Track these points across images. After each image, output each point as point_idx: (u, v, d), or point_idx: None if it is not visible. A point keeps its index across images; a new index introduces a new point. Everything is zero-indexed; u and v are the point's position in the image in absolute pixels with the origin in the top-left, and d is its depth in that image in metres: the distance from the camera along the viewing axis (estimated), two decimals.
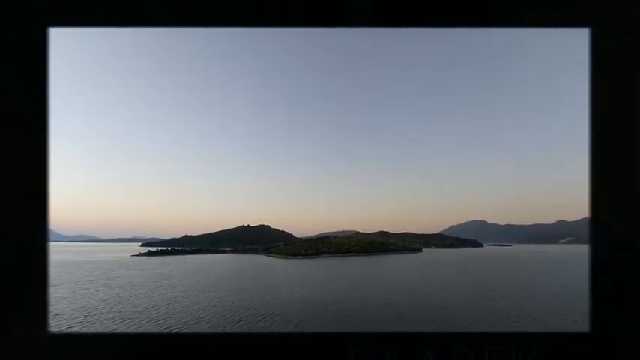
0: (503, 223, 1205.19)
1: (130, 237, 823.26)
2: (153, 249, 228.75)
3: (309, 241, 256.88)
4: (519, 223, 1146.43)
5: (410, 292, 65.08)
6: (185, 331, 35.40)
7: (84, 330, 35.87)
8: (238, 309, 50.76)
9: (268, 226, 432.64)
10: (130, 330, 35.47)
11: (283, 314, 47.26)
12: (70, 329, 36.42)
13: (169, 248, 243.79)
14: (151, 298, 59.64)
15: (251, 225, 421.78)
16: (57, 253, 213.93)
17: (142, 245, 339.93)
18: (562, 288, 69.91)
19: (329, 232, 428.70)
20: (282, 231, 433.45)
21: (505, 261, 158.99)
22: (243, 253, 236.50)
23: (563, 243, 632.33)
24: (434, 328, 38.06)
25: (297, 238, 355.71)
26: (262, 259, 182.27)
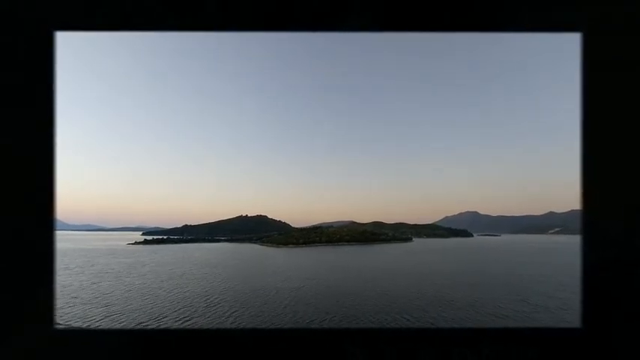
0: (495, 214, 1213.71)
1: (134, 226, 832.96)
2: (149, 237, 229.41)
3: (302, 230, 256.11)
4: (511, 214, 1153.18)
5: (352, 278, 65.99)
6: (192, 327, 34.69)
7: (91, 326, 34.91)
8: (193, 296, 49.73)
9: (266, 216, 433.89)
10: (137, 326, 34.59)
11: (235, 301, 46.54)
12: (76, 325, 35.50)
13: (165, 237, 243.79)
14: (115, 286, 58.28)
15: (249, 215, 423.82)
16: (56, 242, 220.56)
17: (142, 234, 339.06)
18: (510, 276, 68.92)
19: (326, 222, 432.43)
20: (280, 221, 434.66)
21: (483, 250, 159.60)
22: (238, 242, 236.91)
23: (552, 233, 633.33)
24: (428, 324, 36.83)
25: (293, 227, 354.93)
26: (253, 247, 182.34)
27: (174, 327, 34.39)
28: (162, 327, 34.08)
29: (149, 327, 34.17)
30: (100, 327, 34.65)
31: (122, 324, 36.51)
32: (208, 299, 48.04)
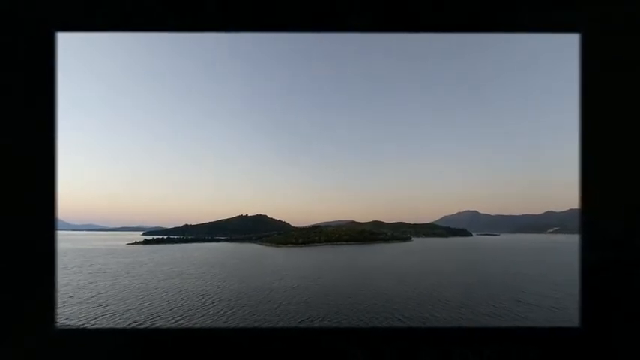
0: (494, 214, 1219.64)
1: (135, 226, 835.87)
2: (149, 237, 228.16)
3: (301, 230, 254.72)
4: (509, 214, 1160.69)
5: (349, 277, 65.82)
6: (193, 326, 34.58)
7: (91, 326, 34.67)
8: (189, 296, 49.53)
9: (266, 216, 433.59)
10: (140, 326, 34.49)
11: (230, 300, 46.43)
12: (74, 325, 35.32)
13: (165, 237, 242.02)
14: (111, 286, 57.79)
15: (249, 215, 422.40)
16: (58, 242, 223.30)
17: (142, 234, 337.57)
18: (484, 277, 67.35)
19: (325, 222, 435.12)
20: (279, 220, 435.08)
21: (481, 250, 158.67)
22: (237, 242, 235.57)
23: (550, 233, 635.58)
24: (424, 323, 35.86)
25: (293, 227, 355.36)
26: (252, 247, 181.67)
27: (175, 326, 32.36)
28: (163, 326, 32.91)
29: (150, 327, 33.41)
30: (101, 327, 32.61)
31: (116, 323, 36.01)
32: (204, 298, 47.59)
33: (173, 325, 34.71)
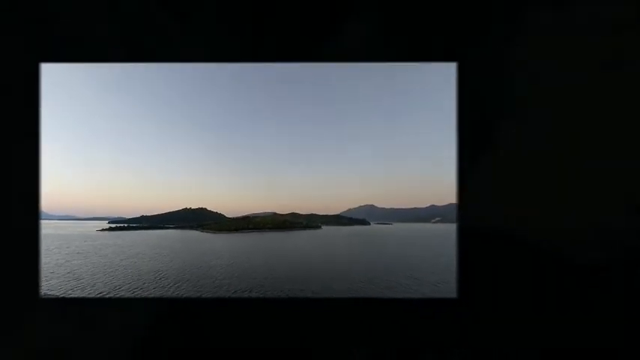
0: (388, 207, 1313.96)
1: (103, 216, 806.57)
2: (113, 225, 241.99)
3: (234, 220, 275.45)
4: (401, 207, 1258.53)
5: (271, 257, 69.07)
6: (168, 295, 34.66)
7: (69, 295, 34.51)
8: (145, 271, 51.32)
9: (206, 208, 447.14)
10: (119, 295, 34.39)
11: (178, 274, 48.45)
12: (57, 295, 34.58)
13: (126, 225, 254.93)
14: (84, 264, 59.11)
15: (192, 207, 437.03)
16: (42, 229, 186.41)
17: (108, 223, 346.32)
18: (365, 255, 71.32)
19: (253, 213, 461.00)
20: (217, 212, 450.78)
21: (377, 235, 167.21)
22: (183, 229, 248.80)
23: (434, 222, 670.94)
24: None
25: (227, 217, 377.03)
26: (195, 233, 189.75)
27: (154, 295, 33.92)
28: (141, 296, 33.87)
29: (127, 296, 33.61)
30: (77, 296, 34.42)
31: (88, 293, 36.44)
32: (156, 274, 48.62)
33: (147, 295, 35.89)
